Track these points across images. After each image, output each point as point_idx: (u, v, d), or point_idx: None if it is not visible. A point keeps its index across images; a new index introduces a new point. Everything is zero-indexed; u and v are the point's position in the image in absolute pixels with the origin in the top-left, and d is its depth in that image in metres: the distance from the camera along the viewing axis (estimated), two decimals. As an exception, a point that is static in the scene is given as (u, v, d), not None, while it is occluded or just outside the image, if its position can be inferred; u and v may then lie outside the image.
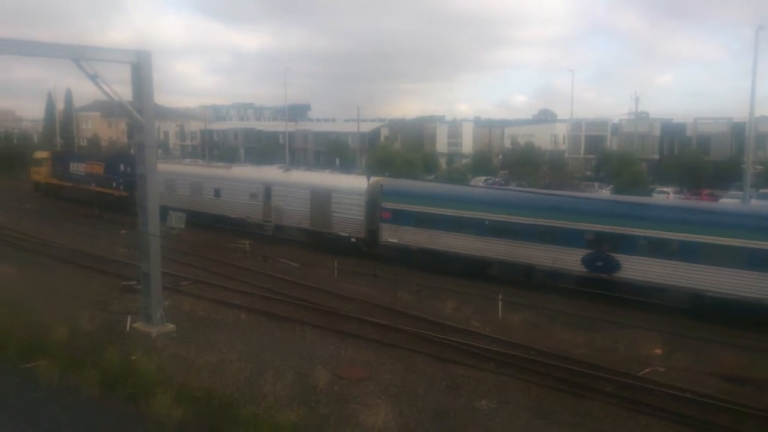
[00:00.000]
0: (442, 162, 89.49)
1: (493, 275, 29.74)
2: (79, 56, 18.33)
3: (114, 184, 50.13)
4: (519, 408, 15.91)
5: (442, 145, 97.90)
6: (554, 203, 28.37)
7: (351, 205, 34.13)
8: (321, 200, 35.59)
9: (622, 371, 17.92)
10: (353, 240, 34.20)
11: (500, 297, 23.65)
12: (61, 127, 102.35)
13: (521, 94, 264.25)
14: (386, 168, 71.05)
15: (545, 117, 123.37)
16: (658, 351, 19.73)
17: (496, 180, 73.18)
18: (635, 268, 25.18)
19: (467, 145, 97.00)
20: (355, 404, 15.70)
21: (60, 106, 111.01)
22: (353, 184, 35.67)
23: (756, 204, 39.19)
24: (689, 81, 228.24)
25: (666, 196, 56.29)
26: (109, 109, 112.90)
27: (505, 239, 28.46)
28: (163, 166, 41.86)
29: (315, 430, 14.15)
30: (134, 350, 18.50)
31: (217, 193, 42.05)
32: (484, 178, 72.85)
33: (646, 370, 18.34)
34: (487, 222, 29.01)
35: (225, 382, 16.43)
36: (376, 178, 35.55)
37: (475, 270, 29.79)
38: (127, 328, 20.88)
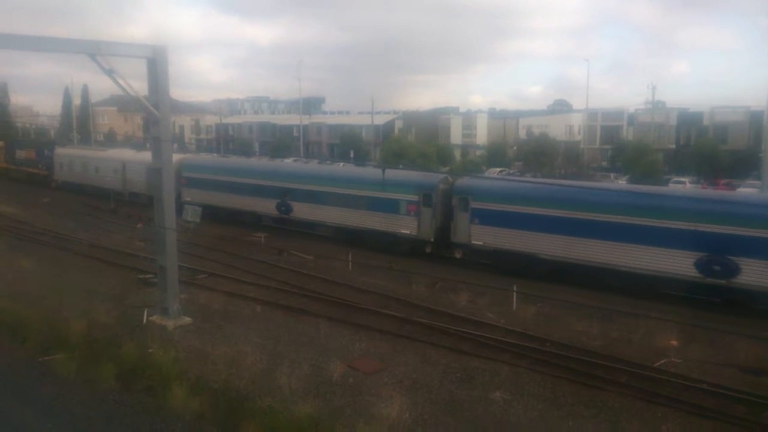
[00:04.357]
0: (457, 154, 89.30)
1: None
2: (95, 51, 18.44)
3: (40, 165, 63.33)
4: (534, 399, 15.90)
5: (456, 137, 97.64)
6: (265, 169, 42.46)
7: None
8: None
9: (637, 362, 17.85)
10: None
11: (515, 289, 23.60)
12: (78, 122, 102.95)
13: (536, 85, 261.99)
14: (400, 160, 71.04)
15: (560, 107, 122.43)
16: (674, 342, 19.60)
17: (510, 171, 72.89)
18: (304, 211, 36.90)
19: (482, 137, 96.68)
20: (369, 396, 15.76)
21: (77, 101, 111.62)
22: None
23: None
24: (706, 70, 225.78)
25: (682, 186, 55.81)
26: (125, 104, 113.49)
27: (246, 195, 39.95)
28: (66, 150, 61.65)
29: (330, 422, 14.23)
30: (151, 343, 18.68)
31: (96, 170, 54.53)
32: (498, 169, 72.61)
33: (662, 361, 18.25)
34: (234, 184, 40.75)
35: (241, 374, 16.57)
36: (184, 155, 48.17)
37: (236, 219, 40.75)
38: (144, 321, 21.08)
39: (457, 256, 30.90)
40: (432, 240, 31.55)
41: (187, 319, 21.13)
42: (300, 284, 26.11)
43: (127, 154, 53.50)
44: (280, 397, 15.17)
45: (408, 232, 32.07)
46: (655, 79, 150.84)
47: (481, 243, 29.60)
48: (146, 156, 48.30)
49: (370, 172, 39.91)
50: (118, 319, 21.09)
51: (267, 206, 39.00)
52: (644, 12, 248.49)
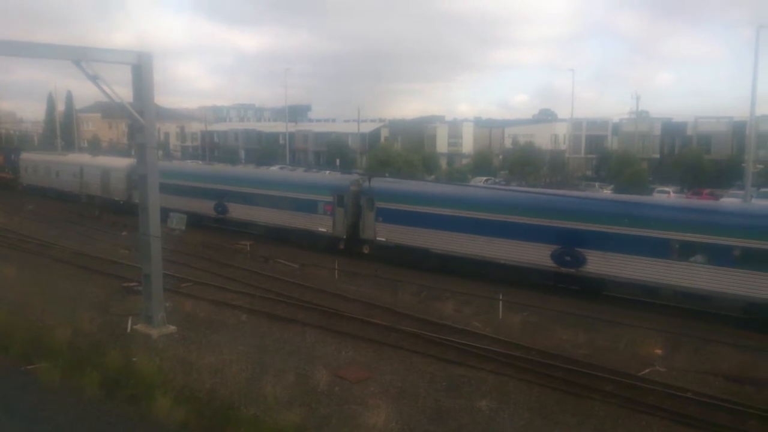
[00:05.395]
0: (443, 162, 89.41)
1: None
2: (79, 57, 18.30)
3: (6, 169, 67.38)
4: (520, 408, 15.92)
5: (442, 146, 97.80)
6: (204, 173, 45.85)
7: (118, 178, 49.45)
8: (105, 175, 51.27)
9: (622, 371, 17.92)
10: (121, 202, 48.78)
11: (501, 297, 23.64)
12: (62, 128, 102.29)
13: (522, 94, 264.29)
14: (386, 168, 71.07)
15: (546, 117, 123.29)
16: (659, 351, 19.74)
17: (496, 180, 73.16)
18: (238, 212, 40.04)
19: (468, 146, 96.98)
20: (355, 405, 15.71)
21: (61, 107, 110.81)
22: (120, 164, 50.98)
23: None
24: (690, 80, 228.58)
25: (666, 195, 56.29)
26: (110, 111, 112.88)
27: (188, 197, 42.22)
28: (31, 156, 65.12)
29: (316, 431, 14.16)
30: (135, 352, 18.51)
31: (57, 173, 57.91)
32: (484, 178, 72.81)
33: (647, 370, 18.35)
34: (177, 186, 41.58)
35: (226, 383, 16.45)
36: (131, 159, 48.71)
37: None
38: (128, 329, 20.90)
39: (365, 251, 33.67)
40: (344, 237, 34.38)
41: (172, 328, 20.96)
42: (286, 292, 26.01)
43: (85, 158, 57.65)
44: (265, 406, 15.08)
45: (325, 230, 35.03)
46: (640, 89, 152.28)
47: (384, 239, 32.66)
48: (102, 161, 54.86)
49: (295, 175, 44.48)
50: (102, 328, 20.90)
51: (206, 207, 41.88)
52: (630, 22, 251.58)
